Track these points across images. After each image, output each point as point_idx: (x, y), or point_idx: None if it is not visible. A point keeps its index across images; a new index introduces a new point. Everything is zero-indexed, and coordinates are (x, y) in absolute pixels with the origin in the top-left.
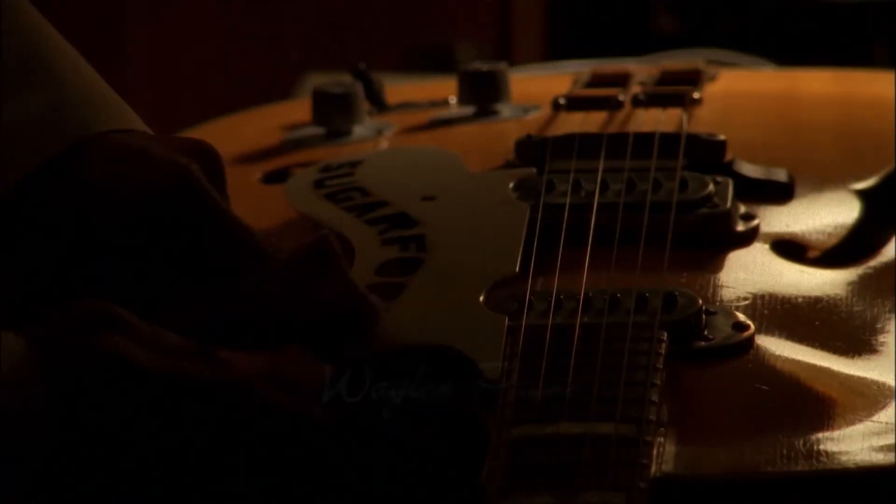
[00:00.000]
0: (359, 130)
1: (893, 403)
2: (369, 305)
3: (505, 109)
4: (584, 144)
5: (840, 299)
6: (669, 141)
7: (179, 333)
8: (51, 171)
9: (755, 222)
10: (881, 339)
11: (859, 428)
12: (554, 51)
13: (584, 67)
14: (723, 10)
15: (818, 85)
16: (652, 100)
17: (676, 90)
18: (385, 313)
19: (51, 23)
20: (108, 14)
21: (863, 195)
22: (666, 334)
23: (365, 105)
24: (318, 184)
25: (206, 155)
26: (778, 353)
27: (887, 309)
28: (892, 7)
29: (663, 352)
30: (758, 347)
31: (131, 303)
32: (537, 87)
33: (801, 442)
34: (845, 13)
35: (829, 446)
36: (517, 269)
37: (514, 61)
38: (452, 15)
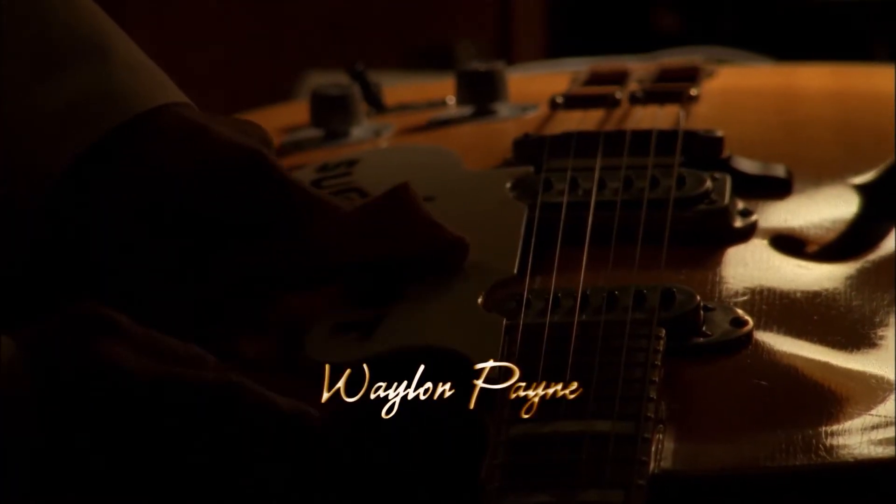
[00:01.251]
0: (357, 132)
1: (892, 397)
2: (451, 238)
3: (503, 109)
4: (582, 142)
5: (839, 294)
6: (667, 138)
7: (275, 288)
8: (116, 142)
9: (753, 218)
10: (880, 332)
11: (858, 422)
12: (554, 49)
13: (584, 66)
14: (724, 8)
15: (816, 80)
16: (649, 97)
17: (674, 87)
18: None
19: None
20: (108, 11)
21: (862, 190)
22: (664, 331)
23: (363, 106)
24: (316, 184)
25: (262, 136)
26: (776, 348)
27: (886, 303)
28: (892, 5)
29: (661, 349)
30: (756, 343)
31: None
32: (536, 85)
33: (801, 437)
34: (846, 11)
35: (829, 440)
36: (515, 269)
37: (514, 60)
38: (453, 14)
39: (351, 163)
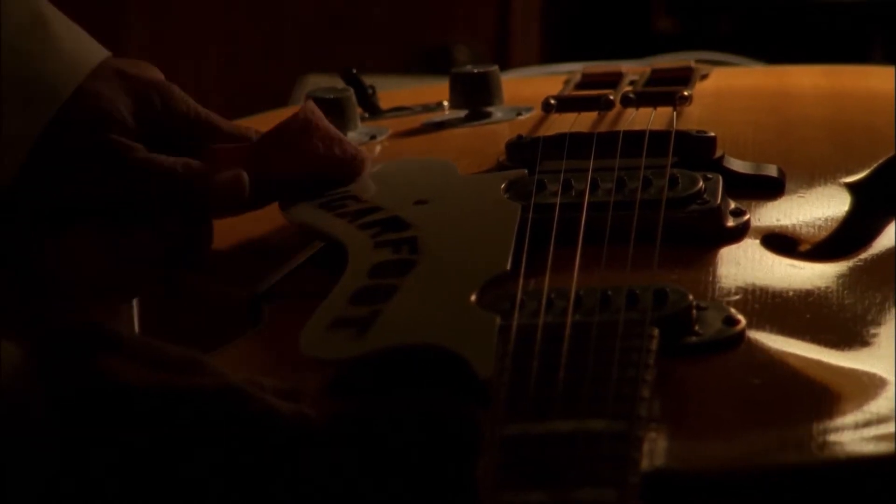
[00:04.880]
0: (352, 136)
1: (884, 394)
2: (353, 153)
3: (497, 111)
4: (575, 144)
5: (831, 292)
6: (659, 139)
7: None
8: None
9: (745, 217)
10: (872, 330)
11: (851, 419)
12: (552, 53)
13: (580, 69)
14: (722, 12)
15: (809, 80)
16: (642, 99)
17: (666, 89)
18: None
19: None
20: (108, 17)
21: (854, 188)
22: (657, 330)
23: (358, 110)
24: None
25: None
26: (769, 346)
27: (878, 301)
28: (890, 7)
29: (654, 348)
30: (749, 341)
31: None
32: (531, 88)
33: (793, 434)
34: (844, 13)
35: (821, 438)
36: (508, 269)
37: (512, 64)
38: (451, 18)
39: None
